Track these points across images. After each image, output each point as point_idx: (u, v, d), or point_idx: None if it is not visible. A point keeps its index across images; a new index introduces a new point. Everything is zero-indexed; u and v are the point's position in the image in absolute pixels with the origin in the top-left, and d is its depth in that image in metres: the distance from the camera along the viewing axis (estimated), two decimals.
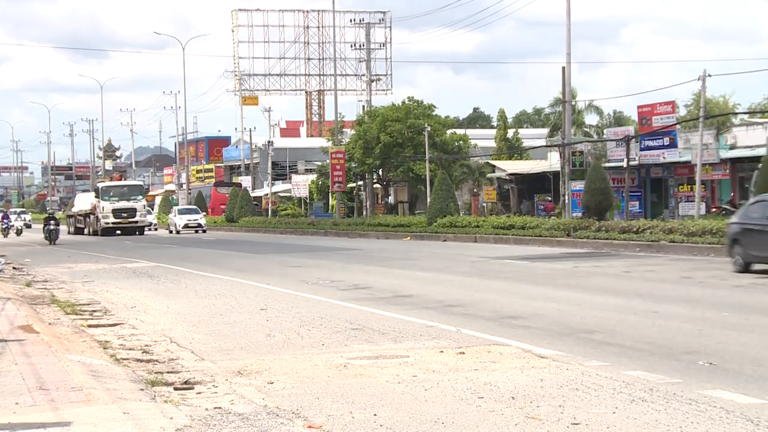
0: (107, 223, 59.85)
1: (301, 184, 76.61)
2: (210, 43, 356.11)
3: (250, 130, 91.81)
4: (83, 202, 66.73)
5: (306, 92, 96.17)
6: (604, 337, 12.31)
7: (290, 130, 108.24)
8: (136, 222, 60.93)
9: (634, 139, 43.90)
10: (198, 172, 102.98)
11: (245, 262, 29.84)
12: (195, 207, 72.51)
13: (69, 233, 66.15)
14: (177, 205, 76.66)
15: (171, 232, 64.40)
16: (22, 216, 71.02)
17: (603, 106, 68.01)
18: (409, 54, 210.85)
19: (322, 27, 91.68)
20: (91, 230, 62.62)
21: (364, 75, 79.00)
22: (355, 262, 28.28)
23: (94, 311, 16.91)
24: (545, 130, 70.93)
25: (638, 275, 21.53)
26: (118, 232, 60.18)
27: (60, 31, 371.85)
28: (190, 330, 14.23)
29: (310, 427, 7.80)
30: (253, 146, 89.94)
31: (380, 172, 64.96)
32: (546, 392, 8.96)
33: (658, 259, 26.22)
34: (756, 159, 40.67)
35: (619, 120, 78.37)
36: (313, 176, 75.00)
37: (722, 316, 14.09)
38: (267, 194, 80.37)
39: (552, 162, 56.50)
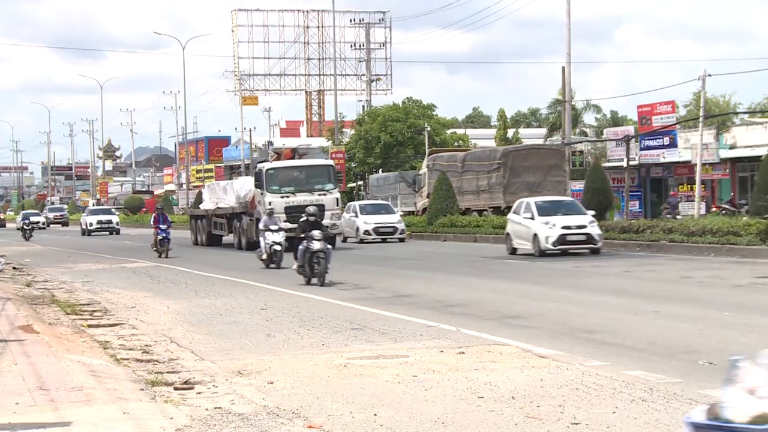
0: None
1: None
2: (210, 43, 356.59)
3: (250, 130, 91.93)
4: (222, 194, 41.67)
5: (306, 92, 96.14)
6: (604, 337, 12.31)
7: (290, 130, 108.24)
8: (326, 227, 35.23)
9: (633, 139, 43.95)
10: (198, 172, 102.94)
11: (245, 262, 29.82)
12: (570, 199, 33.67)
13: (197, 243, 43.60)
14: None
15: (513, 251, 29.97)
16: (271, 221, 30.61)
17: (600, 106, 68.03)
18: (405, 54, 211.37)
19: (322, 27, 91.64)
20: (244, 240, 37.66)
21: (364, 75, 79.07)
22: (355, 262, 28.28)
23: (94, 311, 16.91)
24: (544, 130, 70.95)
25: (638, 275, 21.53)
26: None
27: (55, 31, 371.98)
28: (190, 330, 14.24)
29: (310, 427, 7.80)
30: (253, 146, 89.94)
31: (380, 172, 65.02)
32: (546, 392, 8.96)
33: (658, 259, 26.21)
34: (756, 159, 40.71)
35: (615, 119, 78.24)
36: None
37: (722, 316, 14.09)
38: None
39: None
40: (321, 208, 32.97)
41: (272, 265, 26.48)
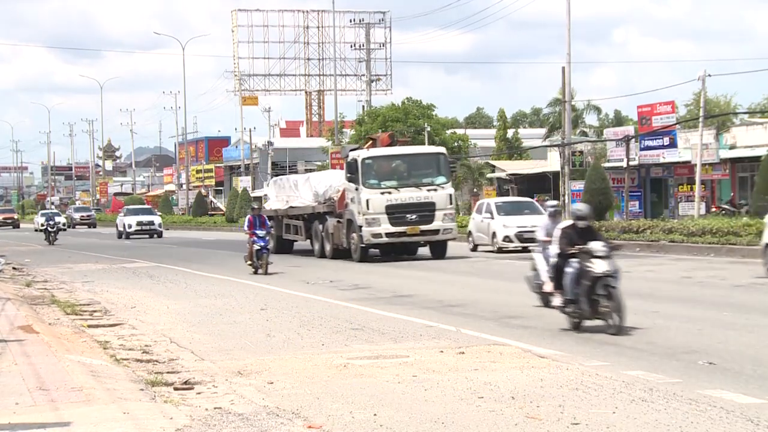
0: (377, 235, 28.29)
1: None
2: (210, 43, 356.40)
3: (250, 130, 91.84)
4: (294, 191, 34.15)
5: (306, 92, 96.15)
6: (604, 337, 12.31)
7: (290, 130, 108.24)
8: (436, 231, 28.62)
9: (633, 139, 43.94)
10: (198, 172, 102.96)
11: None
12: None
13: None
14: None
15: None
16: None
17: (600, 108, 67.97)
18: (405, 54, 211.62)
19: (322, 27, 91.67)
20: (328, 247, 30.67)
21: (363, 75, 79.04)
22: (355, 262, 28.22)
23: (94, 311, 16.91)
24: (544, 130, 70.97)
25: (638, 275, 21.50)
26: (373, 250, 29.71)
27: (55, 32, 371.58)
28: (190, 330, 14.24)
29: (310, 427, 7.80)
30: (253, 146, 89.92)
31: None
32: (546, 392, 8.96)
33: (658, 259, 26.22)
34: (756, 159, 40.71)
35: (618, 119, 78.16)
36: None
37: (722, 316, 14.10)
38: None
39: (552, 162, 56.49)
40: (431, 206, 28.44)
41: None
